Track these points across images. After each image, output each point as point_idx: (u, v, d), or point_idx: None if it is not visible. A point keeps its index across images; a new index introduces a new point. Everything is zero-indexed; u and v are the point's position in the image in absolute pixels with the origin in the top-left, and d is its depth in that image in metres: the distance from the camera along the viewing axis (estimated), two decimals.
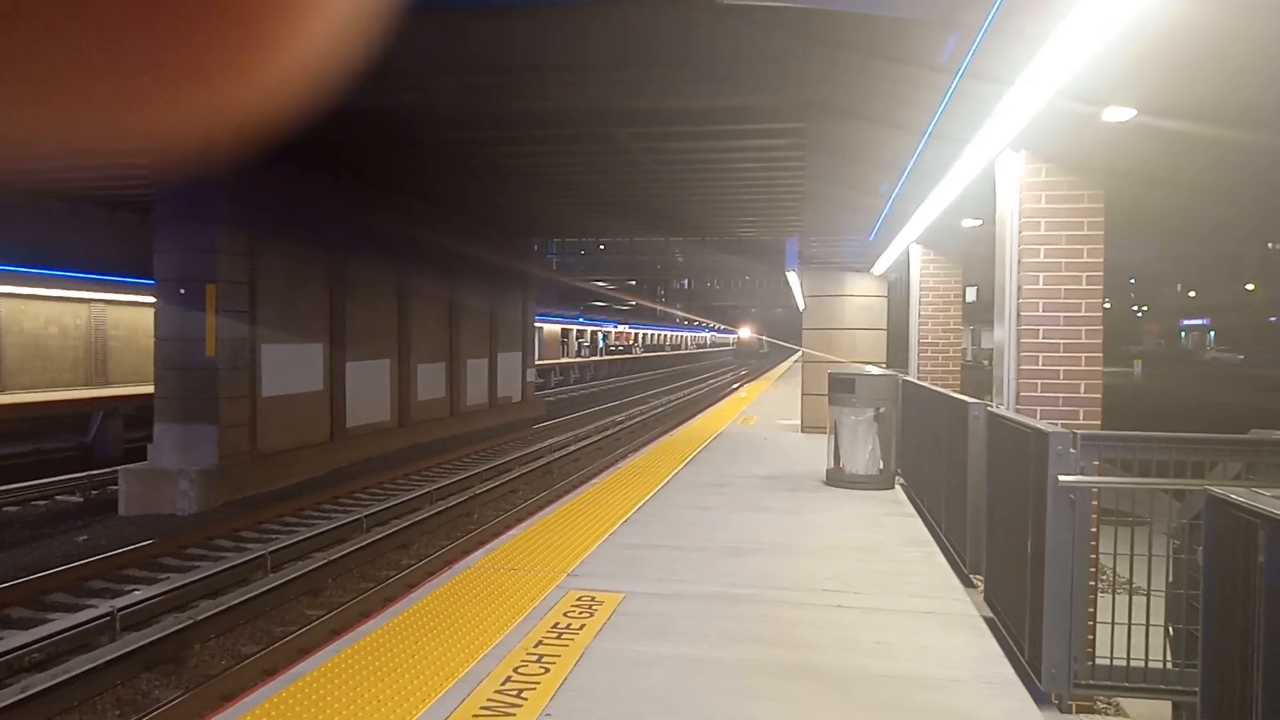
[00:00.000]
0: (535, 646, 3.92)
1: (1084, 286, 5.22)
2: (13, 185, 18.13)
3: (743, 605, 4.58)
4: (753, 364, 72.17)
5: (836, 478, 8.26)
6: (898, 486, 8.24)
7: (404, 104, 12.78)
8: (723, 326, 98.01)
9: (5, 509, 12.88)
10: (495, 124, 13.40)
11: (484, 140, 14.48)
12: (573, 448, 19.38)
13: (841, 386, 8.26)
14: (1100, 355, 5.22)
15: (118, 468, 13.95)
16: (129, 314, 20.78)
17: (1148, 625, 3.44)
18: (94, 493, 14.11)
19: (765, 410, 16.73)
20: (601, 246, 77.83)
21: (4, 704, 5.86)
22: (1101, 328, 5.26)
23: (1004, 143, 5.19)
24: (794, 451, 10.75)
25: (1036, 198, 5.26)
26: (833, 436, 8.39)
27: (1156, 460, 3.43)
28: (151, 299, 14.79)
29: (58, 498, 13.77)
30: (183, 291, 13.89)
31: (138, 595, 8.29)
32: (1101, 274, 5.27)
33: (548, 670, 3.64)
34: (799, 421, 13.19)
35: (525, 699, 3.35)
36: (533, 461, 17.27)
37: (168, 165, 13.80)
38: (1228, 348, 65.37)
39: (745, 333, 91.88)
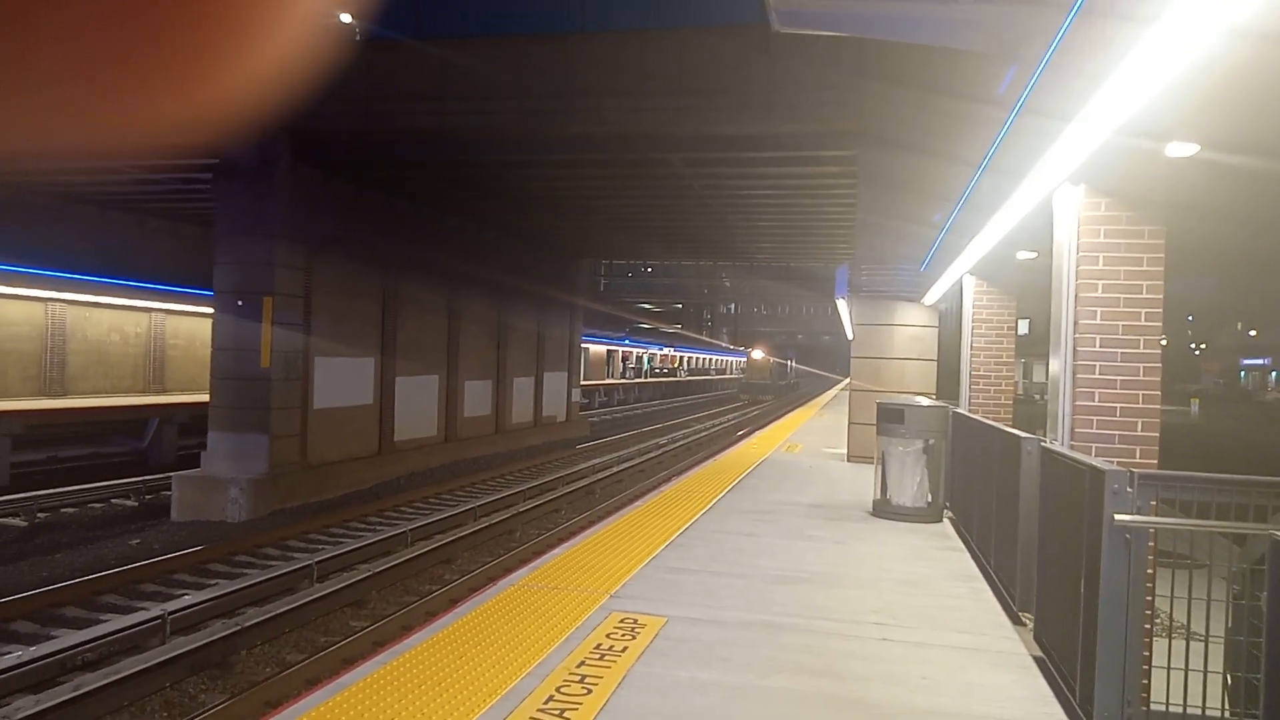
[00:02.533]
0: (578, 667, 3.93)
1: (1143, 323, 5.13)
2: (84, 197, 18.75)
3: (787, 634, 4.55)
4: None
5: (883, 509, 8.17)
6: (945, 520, 8.13)
7: (461, 126, 13.02)
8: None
9: (64, 510, 13.23)
10: (551, 147, 13.57)
11: (539, 163, 14.67)
12: (616, 469, 19.40)
13: (890, 417, 8.19)
14: (1158, 393, 5.12)
15: (171, 474, 14.27)
16: (187, 324, 21.29)
17: (1205, 672, 3.36)
18: (148, 497, 14.43)
19: (811, 438, 16.62)
20: (649, 269, 78.07)
21: (57, 701, 6.00)
22: (1159, 365, 5.17)
23: (1062, 176, 5.14)
24: (840, 481, 10.65)
25: (1095, 232, 5.20)
26: (880, 467, 8.31)
27: (1217, 502, 3.37)
28: (209, 310, 15.15)
29: (113, 501, 14.11)
30: (240, 303, 14.21)
31: (187, 600, 8.45)
32: (1160, 310, 5.18)
33: (590, 691, 3.64)
34: (845, 450, 13.08)
35: (568, 719, 3.36)
36: (576, 481, 17.32)
37: (229, 179, 14.16)
38: None
39: (758, 354, 59.45)
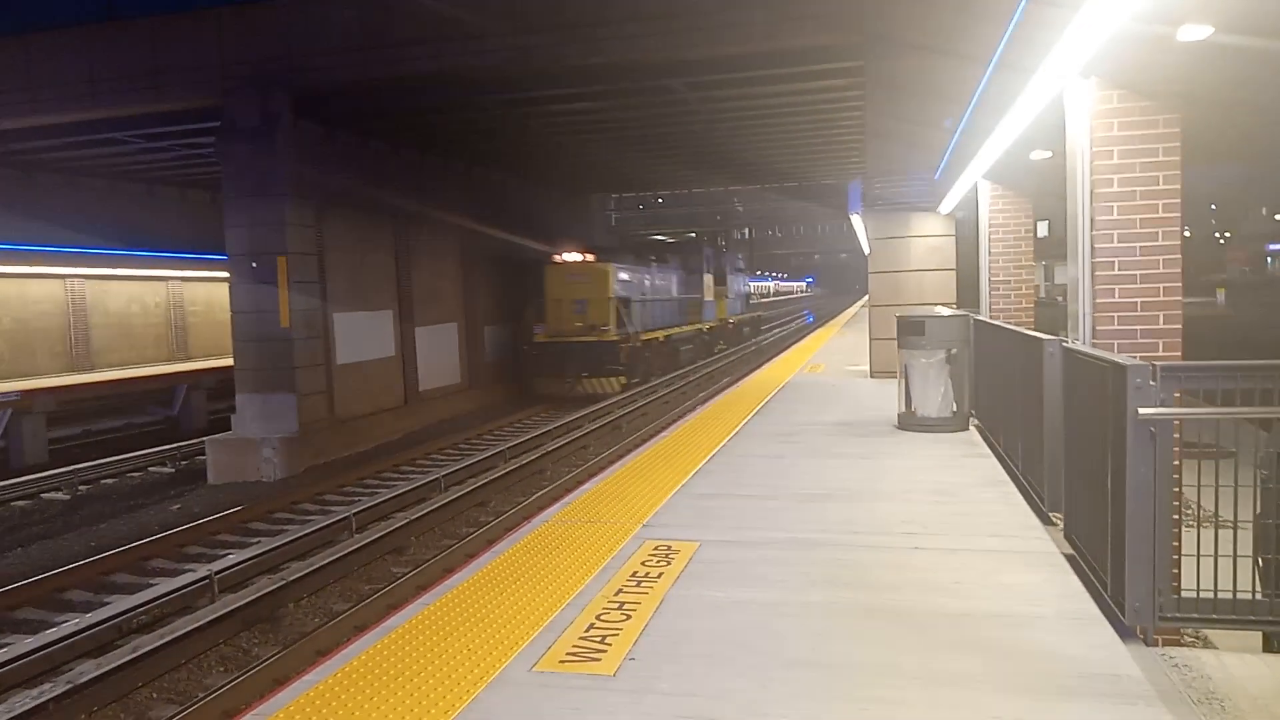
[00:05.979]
0: (615, 595, 4.01)
1: (1160, 215, 5.05)
2: (93, 170, 18.73)
3: (818, 550, 4.61)
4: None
5: (909, 422, 8.19)
6: (972, 428, 8.14)
7: (458, 68, 12.83)
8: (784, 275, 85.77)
9: (103, 481, 13.51)
10: (549, 82, 13.37)
11: (538, 99, 14.47)
12: (640, 402, 19.49)
13: (911, 329, 8.16)
14: (1179, 285, 5.06)
15: (204, 438, 14.50)
16: (204, 289, 21.43)
17: (1235, 556, 3.37)
18: (183, 463, 14.70)
19: (833, 357, 16.60)
20: (660, 199, 77.23)
21: (118, 663, 6.20)
22: (1180, 256, 5.09)
23: (1073, 70, 5.02)
24: (864, 397, 10.67)
25: (1108, 125, 5.09)
26: (903, 380, 8.31)
27: (1241, 389, 3.34)
28: (224, 274, 15.21)
29: (150, 469, 14.38)
30: (254, 265, 14.25)
31: (232, 559, 8.66)
32: (1179, 201, 5.09)
33: (629, 617, 3.73)
34: (868, 367, 13.07)
35: (609, 645, 3.45)
36: (601, 417, 17.44)
37: (233, 140, 14.07)
38: None
39: (572, 258, 20.99)
